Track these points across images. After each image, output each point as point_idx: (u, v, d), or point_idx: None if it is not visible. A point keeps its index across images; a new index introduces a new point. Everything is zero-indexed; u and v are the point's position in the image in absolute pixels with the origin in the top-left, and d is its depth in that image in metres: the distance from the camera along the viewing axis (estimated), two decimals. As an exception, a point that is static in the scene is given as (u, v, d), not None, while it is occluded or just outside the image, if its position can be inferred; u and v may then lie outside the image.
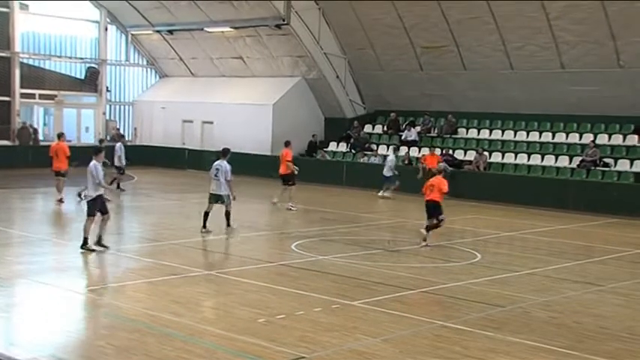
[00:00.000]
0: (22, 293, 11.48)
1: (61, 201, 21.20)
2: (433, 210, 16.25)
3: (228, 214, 17.07)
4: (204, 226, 16.79)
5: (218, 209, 16.97)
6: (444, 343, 9.13)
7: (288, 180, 21.98)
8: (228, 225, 17.08)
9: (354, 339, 9.17)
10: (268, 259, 14.31)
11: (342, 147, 31.30)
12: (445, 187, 16.32)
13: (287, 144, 22.57)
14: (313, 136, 31.60)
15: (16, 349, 8.60)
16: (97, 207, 14.37)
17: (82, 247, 14.24)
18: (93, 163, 14.39)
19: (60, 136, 22.59)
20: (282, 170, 22.08)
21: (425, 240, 16.02)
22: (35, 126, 33.98)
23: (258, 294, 11.32)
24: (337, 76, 31.70)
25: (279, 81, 32.66)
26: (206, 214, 16.86)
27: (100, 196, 14.43)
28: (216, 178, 16.93)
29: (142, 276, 12.58)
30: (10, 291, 11.42)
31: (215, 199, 16.99)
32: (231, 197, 16.96)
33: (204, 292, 11.61)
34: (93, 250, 14.22)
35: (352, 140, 30.87)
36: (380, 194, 25.36)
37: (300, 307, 10.55)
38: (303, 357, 8.43)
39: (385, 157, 27.04)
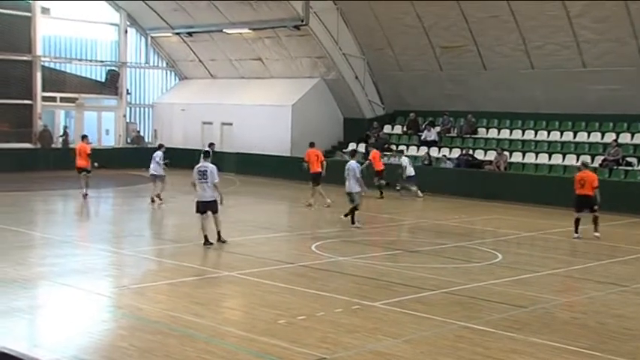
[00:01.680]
0: (45, 295, 11.59)
1: (85, 196, 22.74)
2: (586, 204, 17.23)
3: (354, 210, 18.22)
4: (353, 222, 18.23)
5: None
6: (466, 344, 9.10)
7: (319, 179, 22.48)
8: (353, 223, 18.12)
9: (376, 340, 9.16)
10: (288, 260, 14.32)
11: (362, 148, 31.21)
12: (596, 182, 17.33)
13: (313, 144, 23.53)
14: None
15: (39, 350, 8.69)
16: (210, 207, 15.21)
17: (204, 245, 15.09)
18: (212, 165, 15.10)
19: (84, 137, 24.31)
20: (316, 169, 22.62)
21: (577, 232, 17.40)
22: (68, 130, 34.23)
23: (279, 295, 11.34)
24: (356, 77, 31.66)
25: (298, 82, 32.69)
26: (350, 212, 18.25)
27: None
28: (347, 177, 18.12)
29: (163, 277, 12.65)
30: (33, 293, 11.53)
31: (349, 197, 18.20)
32: (361, 194, 18.37)
33: (225, 294, 11.66)
34: (211, 244, 15.11)
35: (371, 141, 30.82)
36: (421, 195, 25.29)
37: (320, 308, 10.55)
38: (325, 358, 8.44)
39: (403, 157, 26.61)
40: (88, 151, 23.37)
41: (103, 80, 36.07)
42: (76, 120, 35.29)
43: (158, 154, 22.71)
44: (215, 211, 15.34)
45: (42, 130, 33.13)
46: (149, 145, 34.97)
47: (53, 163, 30.80)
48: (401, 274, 13.06)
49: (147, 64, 37.47)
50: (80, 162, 23.20)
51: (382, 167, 25.79)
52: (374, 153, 26.20)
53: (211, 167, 15.18)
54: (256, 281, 12.25)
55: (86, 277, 12.56)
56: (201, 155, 16.20)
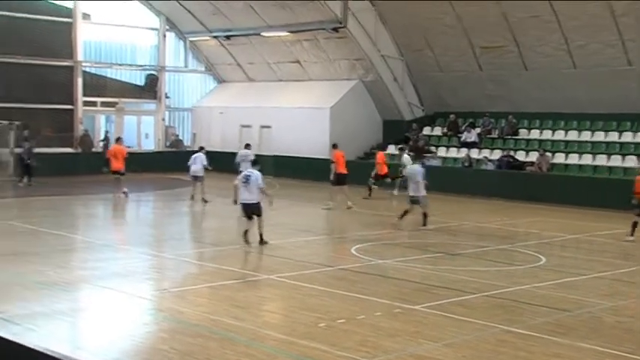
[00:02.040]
0: (87, 298, 11.77)
1: (125, 194, 23.55)
2: None
3: (425, 216, 18.33)
4: (401, 217, 18.27)
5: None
6: (508, 348, 9.00)
7: (345, 180, 22.61)
8: (424, 225, 18.29)
9: (416, 343, 9.11)
10: (328, 263, 14.34)
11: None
12: None
13: (336, 146, 23.73)
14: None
15: (82, 352, 8.82)
16: (255, 209, 15.66)
17: (244, 237, 15.55)
18: (257, 172, 15.80)
19: (118, 139, 25.34)
20: (343, 170, 22.85)
21: (632, 235, 17.22)
22: (109, 135, 34.60)
23: (319, 298, 11.35)
24: (395, 79, 31.57)
25: (336, 84, 32.74)
26: (405, 212, 18.34)
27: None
28: (410, 181, 18.34)
29: (203, 280, 12.76)
30: (75, 296, 11.72)
31: (412, 201, 18.30)
32: (426, 199, 18.50)
33: (264, 297, 11.71)
34: (250, 243, 15.44)
35: (411, 143, 30.68)
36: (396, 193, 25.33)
37: (360, 311, 10.54)
38: (365, 362, 8.42)
39: (404, 156, 26.10)
40: (125, 154, 24.03)
41: (143, 84, 36.54)
42: (116, 124, 35.76)
43: (201, 157, 23.34)
44: (259, 214, 15.68)
45: (82, 135, 33.66)
46: (188, 149, 35.30)
47: (94, 167, 31.18)
48: (442, 277, 12.98)
49: (185, 68, 37.83)
50: (117, 164, 23.60)
51: (386, 171, 25.79)
52: (379, 155, 26.32)
53: (257, 173, 15.74)
54: (296, 284, 12.28)
55: (127, 281, 12.72)
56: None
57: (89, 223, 20.63)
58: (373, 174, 25.78)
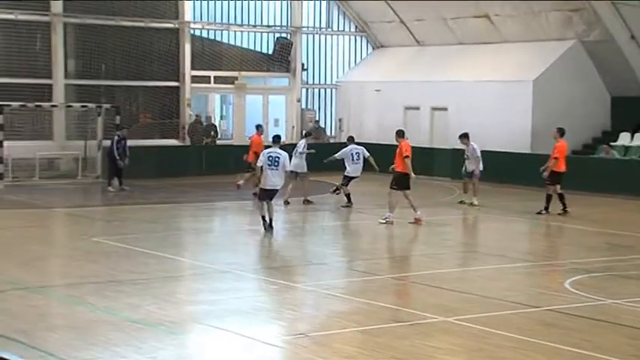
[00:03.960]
0: (197, 343, 12.09)
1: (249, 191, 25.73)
2: None
3: None
4: None
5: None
6: None
7: (407, 182, 22.23)
8: None
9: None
10: (530, 302, 14.12)
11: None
12: None
13: (402, 134, 23.53)
14: None
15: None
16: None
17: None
18: (284, 152, 19.51)
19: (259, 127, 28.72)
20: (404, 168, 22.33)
21: None
22: (200, 118, 35.58)
23: (518, 352, 11.20)
24: (632, 36, 30.76)
25: (542, 47, 32.27)
26: None
27: None
28: None
29: (353, 322, 12.83)
30: (181, 339, 12.07)
31: None
32: None
33: (439, 347, 11.62)
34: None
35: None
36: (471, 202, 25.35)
37: (581, 372, 10.32)
38: None
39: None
40: (254, 147, 25.79)
41: (271, 52, 37.22)
42: (235, 107, 36.62)
43: (301, 144, 25.50)
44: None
45: (193, 122, 34.56)
46: (331, 140, 35.74)
47: (206, 165, 32.04)
48: None
49: (329, 29, 38.30)
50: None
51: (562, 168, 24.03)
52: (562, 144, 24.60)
53: (284, 154, 19.58)
54: (484, 331, 12.16)
55: (251, 321, 12.98)
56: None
57: (200, 242, 21.18)
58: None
